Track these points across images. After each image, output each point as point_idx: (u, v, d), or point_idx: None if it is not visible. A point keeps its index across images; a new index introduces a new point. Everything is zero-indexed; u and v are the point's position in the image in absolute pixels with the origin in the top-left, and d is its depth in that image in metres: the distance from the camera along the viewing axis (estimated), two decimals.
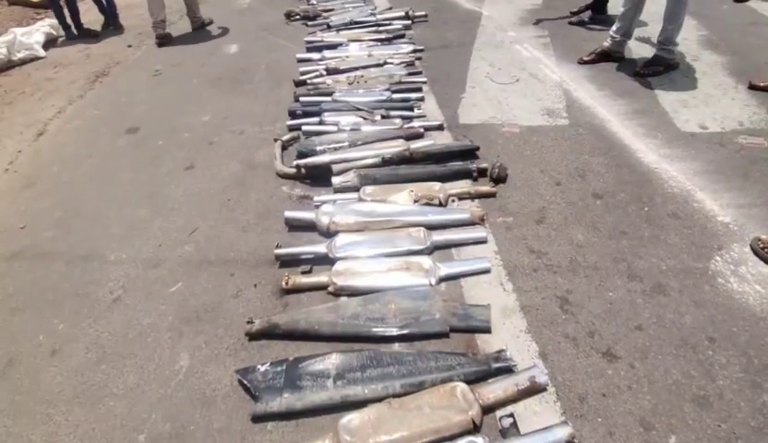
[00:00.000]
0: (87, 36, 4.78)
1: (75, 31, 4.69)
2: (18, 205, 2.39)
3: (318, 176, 2.18)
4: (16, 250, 2.06)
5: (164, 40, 4.46)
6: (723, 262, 1.66)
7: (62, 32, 4.72)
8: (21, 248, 2.07)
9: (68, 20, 4.63)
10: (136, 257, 1.95)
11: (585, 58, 3.13)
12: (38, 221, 2.24)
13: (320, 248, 1.77)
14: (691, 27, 3.61)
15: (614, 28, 3.06)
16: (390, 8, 4.47)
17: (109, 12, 4.92)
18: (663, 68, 2.87)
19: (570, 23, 3.83)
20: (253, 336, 1.53)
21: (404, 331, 1.47)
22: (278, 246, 1.79)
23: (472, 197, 2.00)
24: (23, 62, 4.32)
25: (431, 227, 1.82)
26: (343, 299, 1.61)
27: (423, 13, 4.20)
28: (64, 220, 2.23)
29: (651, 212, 1.89)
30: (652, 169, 2.12)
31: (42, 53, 4.46)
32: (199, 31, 4.71)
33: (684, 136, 2.33)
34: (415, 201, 1.94)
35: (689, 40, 3.37)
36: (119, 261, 1.94)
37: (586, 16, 3.83)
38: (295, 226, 1.95)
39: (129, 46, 4.54)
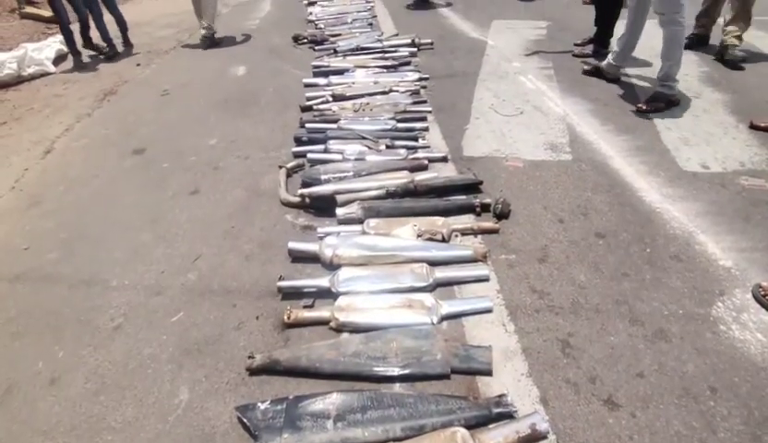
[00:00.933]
0: (96, 51, 4.83)
1: (83, 59, 4.66)
2: (23, 224, 2.40)
3: (322, 206, 2.20)
4: (19, 272, 2.07)
5: (212, 43, 4.85)
6: (725, 308, 1.66)
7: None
8: (25, 270, 2.08)
9: (79, 47, 4.62)
10: (138, 284, 1.95)
11: (585, 68, 3.51)
12: (42, 242, 2.25)
13: (323, 282, 1.77)
14: (692, 62, 3.66)
15: (611, 54, 3.31)
16: (397, 34, 4.55)
17: (120, 29, 4.97)
18: (664, 105, 2.91)
19: (574, 55, 3.89)
20: (254, 371, 1.53)
21: (406, 371, 1.47)
22: (281, 279, 1.79)
23: (475, 232, 2.01)
24: (32, 77, 4.38)
25: (434, 263, 1.83)
26: (345, 336, 1.61)
27: (429, 41, 4.27)
28: (68, 242, 2.24)
29: (653, 254, 1.89)
30: (654, 209, 2.13)
31: (52, 68, 4.52)
32: (209, 51, 4.78)
33: (686, 175, 2.35)
34: (419, 236, 1.95)
35: (690, 76, 3.42)
36: (121, 287, 1.94)
37: (590, 49, 3.89)
38: (299, 257, 1.96)
39: (138, 65, 4.60)
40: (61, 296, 1.92)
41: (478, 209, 2.10)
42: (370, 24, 5.04)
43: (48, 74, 4.47)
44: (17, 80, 4.29)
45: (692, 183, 2.29)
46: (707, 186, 2.26)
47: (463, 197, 2.20)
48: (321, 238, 1.98)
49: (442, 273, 1.79)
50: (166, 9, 6.90)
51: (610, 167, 2.44)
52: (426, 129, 2.84)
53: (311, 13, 5.65)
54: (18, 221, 2.44)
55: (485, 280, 1.80)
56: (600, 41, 3.88)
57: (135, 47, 5.08)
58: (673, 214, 2.09)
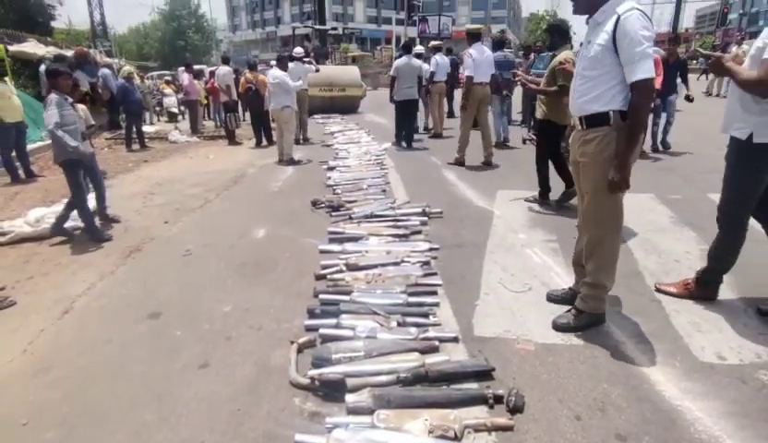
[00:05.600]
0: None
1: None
2: (27, 394, 2.37)
3: (332, 391, 2.16)
4: None
5: (290, 163, 7.18)
6: None
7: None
8: None
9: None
10: None
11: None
12: (42, 416, 2.19)
13: None
14: (691, 239, 3.84)
15: None
16: (408, 202, 4.89)
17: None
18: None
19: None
20: None
21: None
22: None
23: (488, 429, 1.93)
24: (66, 231, 4.66)
25: None
26: None
27: (438, 210, 4.57)
28: (69, 418, 2.17)
29: None
30: (674, 406, 2.06)
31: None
32: (233, 211, 5.14)
33: (703, 367, 2.31)
34: (430, 432, 1.87)
35: (691, 254, 3.56)
36: None
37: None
38: None
39: (166, 222, 4.91)
40: None
41: (491, 402, 2.04)
42: (384, 190, 5.46)
43: (81, 228, 4.76)
44: (52, 234, 4.57)
45: (710, 376, 2.24)
46: (726, 381, 2.21)
47: (476, 385, 2.16)
48: (330, 430, 1.91)
49: None
50: (198, 168, 7.60)
51: (623, 354, 2.41)
52: (437, 304, 2.90)
53: (330, 178, 6.17)
54: (23, 388, 2.41)
55: None
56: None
57: (165, 204, 5.47)
58: (695, 414, 2.01)
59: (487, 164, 6.69)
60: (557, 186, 4.91)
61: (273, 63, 9.27)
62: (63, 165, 4.42)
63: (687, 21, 68.05)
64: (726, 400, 2.09)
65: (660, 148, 7.27)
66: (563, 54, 4.53)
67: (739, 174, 2.68)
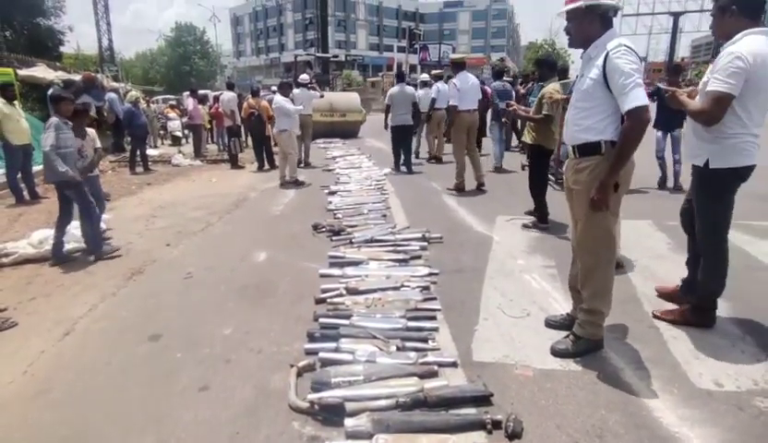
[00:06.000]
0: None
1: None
2: (26, 416, 2.37)
3: (331, 415, 2.17)
4: None
5: (293, 184, 7.48)
6: None
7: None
8: None
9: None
10: None
11: None
12: (41, 438, 2.20)
13: None
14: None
15: None
16: (408, 227, 4.94)
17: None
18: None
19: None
20: None
21: None
22: None
23: None
24: (70, 253, 4.70)
25: None
26: None
27: (438, 235, 4.62)
28: (68, 440, 2.18)
29: None
30: (672, 433, 2.06)
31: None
32: (234, 235, 5.18)
33: (701, 394, 2.32)
34: None
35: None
36: None
37: None
38: None
39: (168, 245, 4.95)
40: None
41: (489, 427, 2.05)
42: (384, 215, 5.52)
43: (83, 250, 4.80)
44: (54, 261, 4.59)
45: (708, 403, 2.25)
46: (724, 408, 2.21)
47: (474, 411, 2.17)
48: None
49: None
50: (200, 192, 7.69)
51: (621, 381, 2.42)
52: (436, 329, 2.91)
53: (330, 202, 6.24)
54: (22, 411, 2.41)
55: None
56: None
57: (166, 227, 5.53)
58: (693, 442, 2.02)
59: (480, 186, 6.85)
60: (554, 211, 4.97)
61: (274, 88, 9.50)
62: (56, 186, 4.57)
63: (683, 51, 69.56)
64: (723, 427, 2.10)
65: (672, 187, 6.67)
66: (550, 86, 4.92)
67: (705, 201, 2.82)
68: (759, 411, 2.19)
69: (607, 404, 2.26)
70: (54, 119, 4.42)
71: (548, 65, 5.45)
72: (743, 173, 2.69)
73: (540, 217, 5.06)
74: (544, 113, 4.82)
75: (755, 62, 2.44)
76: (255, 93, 9.95)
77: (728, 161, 2.64)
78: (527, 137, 5.22)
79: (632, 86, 2.25)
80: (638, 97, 2.25)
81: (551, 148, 5.13)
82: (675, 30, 45.39)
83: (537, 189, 5.10)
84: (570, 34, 2.56)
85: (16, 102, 7.02)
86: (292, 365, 2.56)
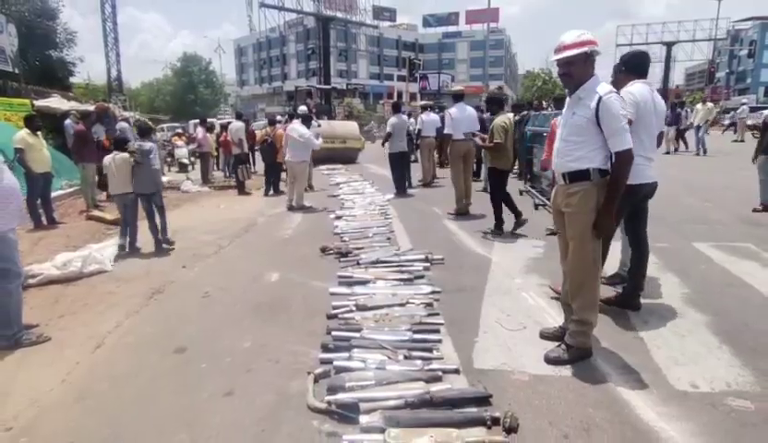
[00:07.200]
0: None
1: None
2: (68, 421, 2.61)
3: (347, 414, 2.42)
4: None
5: (301, 209, 7.93)
6: None
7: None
8: None
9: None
10: None
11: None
12: (86, 438, 2.44)
13: None
14: (674, 284, 4.14)
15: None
16: (412, 249, 5.23)
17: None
18: None
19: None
20: None
21: None
22: None
23: None
24: (92, 274, 4.98)
25: None
26: None
27: (440, 257, 4.90)
28: (109, 439, 2.42)
29: None
30: (652, 427, 2.31)
31: (109, 267, 5.16)
32: (247, 257, 5.46)
33: (678, 394, 2.57)
34: None
35: (673, 296, 3.86)
36: None
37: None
38: None
39: (184, 267, 5.23)
40: None
41: (489, 423, 2.30)
42: (388, 238, 5.82)
43: (105, 271, 5.09)
44: (77, 276, 4.89)
45: (684, 402, 2.50)
46: (698, 406, 2.47)
47: (475, 409, 2.42)
48: None
49: None
50: (210, 217, 8.00)
51: (608, 384, 2.68)
52: (440, 341, 3.18)
53: (337, 226, 6.54)
54: (65, 415, 2.65)
55: None
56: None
57: (182, 250, 5.82)
58: (670, 434, 2.26)
59: (467, 212, 7.23)
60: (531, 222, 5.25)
61: (279, 117, 10.00)
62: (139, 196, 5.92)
63: (677, 79, 71.12)
64: (697, 422, 2.35)
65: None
66: (499, 119, 5.98)
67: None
68: (730, 408, 2.45)
69: (594, 404, 2.51)
70: (153, 145, 5.99)
71: (497, 103, 6.59)
72: (638, 190, 3.40)
73: (497, 225, 6.02)
74: (495, 141, 5.85)
75: (643, 98, 3.39)
76: (271, 122, 10.75)
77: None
78: (486, 161, 6.08)
79: (622, 130, 2.71)
80: (625, 140, 2.71)
81: (505, 168, 6.16)
82: (668, 59, 46.55)
83: (496, 202, 6.05)
84: (570, 76, 2.83)
85: (39, 133, 7.39)
86: (309, 372, 2.82)
